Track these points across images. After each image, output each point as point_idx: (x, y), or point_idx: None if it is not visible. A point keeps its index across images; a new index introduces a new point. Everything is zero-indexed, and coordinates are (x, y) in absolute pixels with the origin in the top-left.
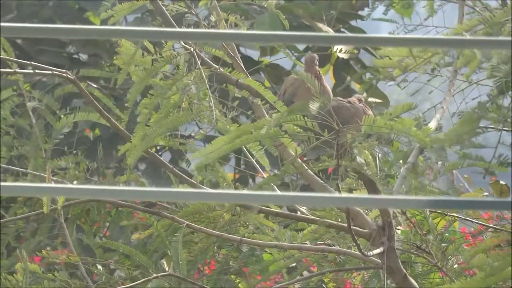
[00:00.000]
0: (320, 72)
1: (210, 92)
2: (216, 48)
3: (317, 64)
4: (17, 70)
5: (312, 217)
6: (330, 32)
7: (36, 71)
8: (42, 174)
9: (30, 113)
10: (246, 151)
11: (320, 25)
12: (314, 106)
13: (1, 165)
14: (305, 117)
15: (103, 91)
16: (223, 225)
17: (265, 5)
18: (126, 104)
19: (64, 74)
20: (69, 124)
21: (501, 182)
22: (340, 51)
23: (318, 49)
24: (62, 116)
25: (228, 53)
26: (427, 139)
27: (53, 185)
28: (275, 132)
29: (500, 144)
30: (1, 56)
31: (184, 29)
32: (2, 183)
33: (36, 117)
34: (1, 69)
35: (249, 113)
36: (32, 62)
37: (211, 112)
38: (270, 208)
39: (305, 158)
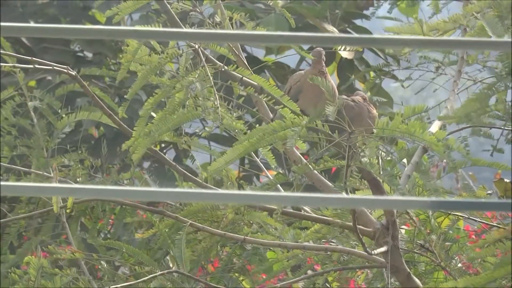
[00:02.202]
0: (325, 67)
1: (215, 90)
2: (221, 46)
3: (324, 59)
4: (17, 64)
5: (316, 215)
6: (335, 32)
7: (37, 66)
8: (45, 173)
9: (31, 113)
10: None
11: (325, 25)
12: (330, 111)
13: (4, 164)
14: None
15: (108, 90)
16: (227, 224)
17: (271, 4)
18: (125, 96)
19: (65, 70)
20: (71, 123)
21: (506, 180)
22: (344, 49)
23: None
24: (64, 115)
25: (233, 51)
26: (440, 144)
27: (55, 185)
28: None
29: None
30: (3, 51)
31: (189, 30)
32: (5, 183)
33: (38, 116)
34: (2, 64)
35: (254, 109)
36: (34, 58)
37: (216, 109)
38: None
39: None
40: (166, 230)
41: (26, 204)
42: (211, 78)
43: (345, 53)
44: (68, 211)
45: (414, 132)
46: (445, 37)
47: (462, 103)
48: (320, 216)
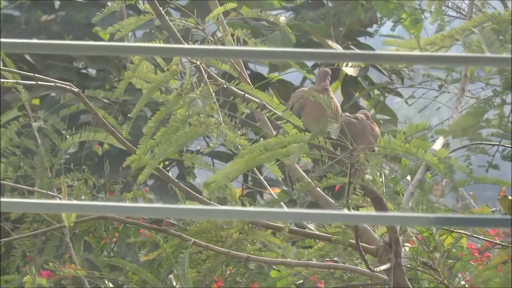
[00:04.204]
0: (328, 85)
1: (217, 107)
2: (223, 63)
3: (329, 79)
4: (19, 81)
5: (320, 233)
6: (339, 49)
7: (39, 82)
8: (49, 192)
9: (35, 133)
10: (254, 168)
11: (329, 42)
12: (333, 129)
13: (9, 183)
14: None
15: (112, 107)
16: (231, 244)
17: (272, 19)
18: (129, 115)
19: (68, 87)
20: (75, 144)
21: (509, 197)
22: (347, 65)
23: (326, 66)
24: (68, 136)
25: (235, 67)
26: (441, 165)
27: (59, 201)
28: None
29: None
30: (6, 68)
31: (192, 46)
32: (9, 199)
33: (42, 136)
34: (4, 80)
35: (257, 124)
36: (36, 75)
37: (219, 125)
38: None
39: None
40: (170, 250)
41: (30, 223)
42: (213, 94)
43: (350, 70)
44: (71, 224)
45: (416, 152)
46: (446, 53)
47: (458, 117)
48: (323, 234)
